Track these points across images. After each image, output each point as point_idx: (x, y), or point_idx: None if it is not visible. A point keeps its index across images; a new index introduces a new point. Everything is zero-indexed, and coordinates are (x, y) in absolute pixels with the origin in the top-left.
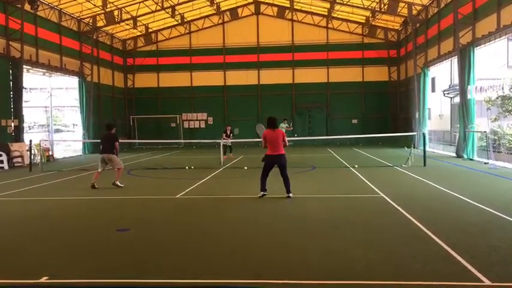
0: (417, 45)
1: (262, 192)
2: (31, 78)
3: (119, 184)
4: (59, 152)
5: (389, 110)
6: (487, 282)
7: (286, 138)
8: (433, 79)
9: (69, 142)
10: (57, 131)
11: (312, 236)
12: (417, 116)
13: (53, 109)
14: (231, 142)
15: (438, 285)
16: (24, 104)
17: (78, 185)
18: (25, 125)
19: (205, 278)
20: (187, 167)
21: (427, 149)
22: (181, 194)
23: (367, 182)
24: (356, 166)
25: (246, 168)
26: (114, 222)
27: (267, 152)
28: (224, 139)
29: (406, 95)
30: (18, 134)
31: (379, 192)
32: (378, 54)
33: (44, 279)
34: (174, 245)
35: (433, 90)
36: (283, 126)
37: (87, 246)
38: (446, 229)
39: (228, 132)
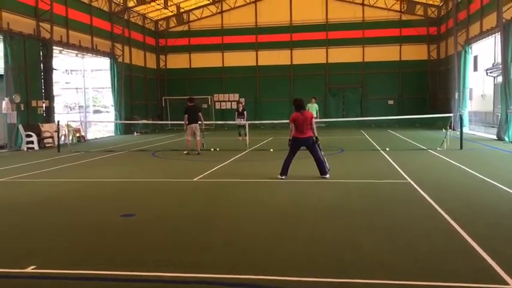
0: (458, 21)
1: (280, 176)
2: (70, 60)
3: (200, 151)
4: (93, 133)
5: (428, 91)
6: None
7: (314, 121)
8: (475, 57)
9: (106, 123)
10: (97, 111)
11: (323, 224)
12: (457, 97)
13: (93, 90)
14: (244, 121)
15: (452, 287)
16: (65, 86)
17: (98, 166)
18: (66, 106)
19: (198, 272)
20: (212, 149)
21: (467, 131)
22: (199, 177)
23: (395, 166)
24: (387, 149)
25: (271, 150)
26: (121, 207)
27: (293, 134)
28: (237, 119)
29: (446, 75)
30: (49, 115)
31: (407, 177)
32: (416, 32)
33: (30, 269)
34: (176, 232)
35: (475, 69)
36: (315, 107)
37: (85, 232)
38: (476, 221)
39: (241, 109)
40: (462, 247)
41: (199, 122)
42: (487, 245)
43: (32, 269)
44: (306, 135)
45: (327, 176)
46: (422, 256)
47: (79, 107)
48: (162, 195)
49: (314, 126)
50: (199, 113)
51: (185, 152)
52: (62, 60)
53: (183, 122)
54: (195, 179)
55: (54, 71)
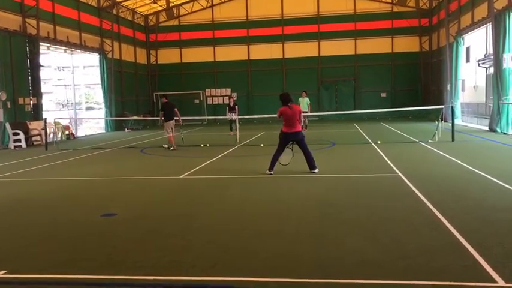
0: (450, 12)
1: (269, 172)
2: (62, 56)
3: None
4: (85, 130)
5: (421, 83)
6: (501, 282)
7: (307, 114)
8: (467, 48)
9: (98, 120)
10: (90, 108)
11: (308, 221)
12: (449, 88)
13: (85, 87)
14: (236, 116)
15: (439, 286)
16: (57, 83)
17: (84, 164)
18: (58, 103)
19: (176, 274)
20: (202, 145)
21: (459, 122)
22: (186, 174)
23: (386, 159)
24: (378, 142)
25: (262, 145)
26: (103, 206)
27: (282, 129)
28: (229, 113)
29: (438, 66)
30: (37, 112)
31: (397, 170)
32: (408, 24)
33: (0, 274)
34: (157, 231)
35: (468, 60)
36: (306, 101)
37: (63, 234)
38: (465, 216)
39: (232, 104)
40: (450, 243)
41: (175, 118)
42: (475, 241)
43: (3, 273)
44: (295, 129)
45: (316, 170)
46: (409, 253)
47: (72, 104)
48: (146, 193)
49: (302, 119)
50: (175, 109)
51: (171, 148)
52: (54, 57)
53: (175, 118)
54: (181, 176)
55: (42, 67)
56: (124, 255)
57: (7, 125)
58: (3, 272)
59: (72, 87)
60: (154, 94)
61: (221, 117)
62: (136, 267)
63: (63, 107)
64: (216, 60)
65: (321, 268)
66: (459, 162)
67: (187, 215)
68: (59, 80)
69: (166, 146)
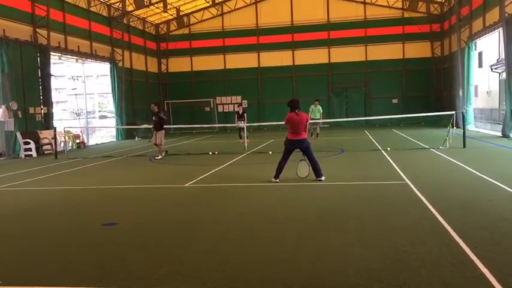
0: (461, 17)
1: (275, 179)
2: (75, 66)
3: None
4: (97, 138)
5: (433, 88)
6: None
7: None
8: (479, 53)
9: (109, 128)
10: (103, 117)
11: (311, 230)
12: (461, 94)
13: (98, 96)
14: (245, 124)
15: None
16: (71, 92)
17: (92, 173)
18: (72, 112)
19: (169, 286)
20: (210, 153)
21: (473, 128)
22: (191, 182)
23: (394, 166)
24: (388, 149)
25: (270, 153)
26: (105, 215)
27: (288, 136)
28: (238, 121)
29: (450, 72)
30: (48, 121)
31: (405, 178)
32: (419, 29)
33: None
34: (157, 242)
35: (480, 65)
36: (318, 109)
37: (62, 244)
38: (471, 224)
39: (240, 112)
40: (454, 253)
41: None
42: (481, 251)
43: None
44: (301, 137)
45: (323, 178)
46: (411, 263)
47: (86, 112)
48: (148, 202)
49: (307, 128)
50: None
51: (164, 153)
52: (67, 67)
53: (185, 126)
54: (186, 185)
55: (54, 77)
56: (120, 266)
57: (18, 134)
58: None
59: (84, 96)
60: (165, 102)
61: (231, 124)
62: (131, 278)
63: (77, 116)
64: (226, 68)
65: (319, 279)
66: (469, 169)
67: (187, 224)
68: (72, 89)
69: (160, 156)
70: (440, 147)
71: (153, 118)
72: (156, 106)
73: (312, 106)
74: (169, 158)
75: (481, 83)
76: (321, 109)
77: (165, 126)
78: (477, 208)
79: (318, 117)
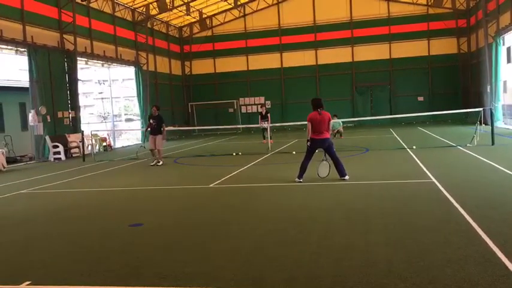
0: (488, 12)
1: (298, 179)
2: (102, 70)
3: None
4: (123, 141)
5: (460, 85)
6: None
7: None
8: (508, 48)
9: (135, 131)
10: (129, 120)
11: (334, 229)
12: (489, 90)
13: (124, 99)
14: (268, 124)
15: None
16: (97, 96)
17: (118, 175)
18: (100, 115)
19: (194, 285)
20: (234, 153)
21: (501, 125)
22: (215, 183)
23: (420, 164)
24: (414, 147)
25: (294, 153)
26: (132, 216)
27: (310, 135)
28: (261, 122)
29: (477, 68)
30: (75, 125)
31: (431, 176)
32: (445, 25)
33: (24, 285)
34: (182, 241)
35: (509, 60)
36: (339, 123)
37: (89, 244)
38: (500, 224)
39: (264, 112)
40: (481, 252)
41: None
42: (510, 251)
43: (27, 285)
44: (323, 136)
45: (347, 177)
46: (436, 263)
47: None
48: (174, 203)
49: (330, 128)
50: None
51: (160, 162)
52: (94, 71)
53: (209, 127)
54: (211, 185)
55: (81, 82)
56: (147, 266)
57: (47, 138)
58: (28, 283)
59: (110, 100)
60: (189, 104)
61: (255, 125)
62: (157, 278)
63: (103, 119)
64: (249, 69)
65: (342, 278)
66: (498, 166)
67: (211, 225)
68: (99, 93)
69: (161, 162)
70: (468, 144)
71: (151, 121)
72: (157, 109)
73: (332, 122)
74: (195, 159)
75: (509, 79)
76: (341, 123)
77: (189, 128)
78: (507, 207)
79: (341, 129)
